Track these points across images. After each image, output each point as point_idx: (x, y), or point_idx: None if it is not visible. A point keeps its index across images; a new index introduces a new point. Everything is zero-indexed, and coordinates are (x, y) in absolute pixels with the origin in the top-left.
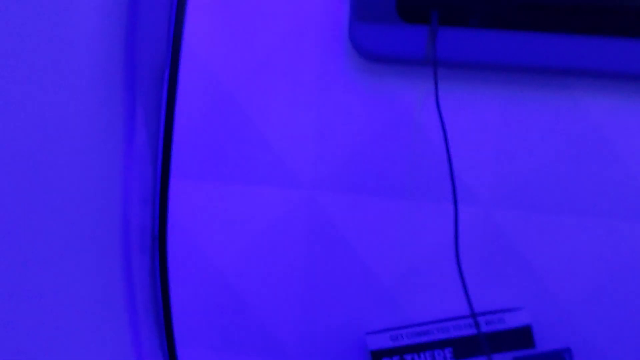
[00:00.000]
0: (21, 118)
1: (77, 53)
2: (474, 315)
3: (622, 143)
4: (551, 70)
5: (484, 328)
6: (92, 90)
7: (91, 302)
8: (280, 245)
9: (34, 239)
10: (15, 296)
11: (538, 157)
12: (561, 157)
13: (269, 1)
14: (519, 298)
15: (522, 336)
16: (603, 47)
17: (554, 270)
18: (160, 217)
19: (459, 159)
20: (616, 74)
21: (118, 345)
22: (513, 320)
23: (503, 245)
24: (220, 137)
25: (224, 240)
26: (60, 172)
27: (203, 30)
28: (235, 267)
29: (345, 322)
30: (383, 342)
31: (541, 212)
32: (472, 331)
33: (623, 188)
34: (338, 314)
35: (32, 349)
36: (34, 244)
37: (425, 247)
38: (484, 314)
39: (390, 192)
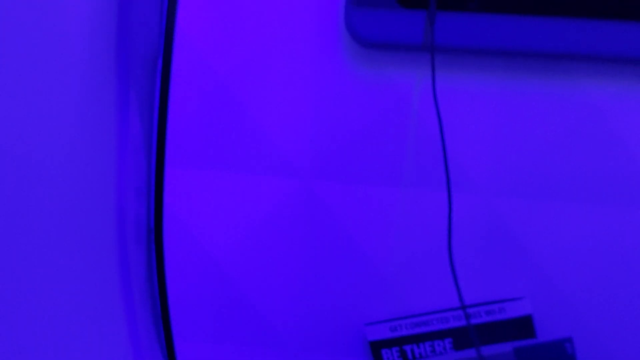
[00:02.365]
0: (12, 108)
1: (69, 43)
2: (463, 307)
3: (624, 128)
4: (551, 54)
5: (485, 318)
6: (84, 80)
7: (87, 296)
8: (277, 235)
9: (28, 232)
10: (10, 290)
11: (538, 144)
12: (562, 144)
13: None
14: (520, 287)
15: (523, 326)
16: (604, 30)
17: (555, 259)
18: (156, 208)
19: (459, 147)
20: (618, 58)
21: (115, 338)
22: (514, 310)
23: (503, 233)
24: (215, 127)
25: (221, 231)
26: (53, 164)
27: (196, 19)
28: (233, 257)
29: (343, 312)
30: (382, 332)
31: (541, 199)
32: (472, 322)
33: (625, 174)
34: (336, 304)
35: (27, 342)
36: (27, 238)
37: (425, 236)
38: (484, 303)
39: (389, 180)
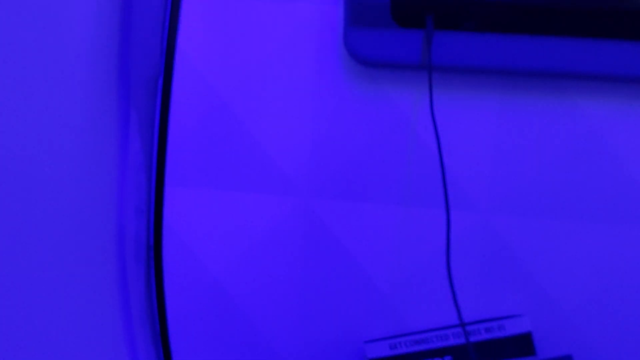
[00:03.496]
0: (14, 128)
1: (71, 62)
2: (462, 324)
3: (621, 146)
4: (547, 73)
5: (484, 335)
6: (85, 98)
7: (86, 313)
8: (276, 253)
9: (27, 249)
10: (9, 307)
11: (535, 162)
12: (559, 162)
13: (263, 8)
14: (519, 305)
15: (522, 343)
16: (599, 49)
17: (554, 277)
18: (155, 226)
19: (456, 165)
20: (613, 77)
21: (114, 356)
22: (513, 327)
23: (502, 251)
24: (215, 145)
25: (220, 249)
26: (53, 182)
27: (197, 38)
28: (232, 275)
29: (342, 330)
30: (382, 350)
31: (540, 217)
32: (471, 339)
33: (622, 192)
34: (335, 322)
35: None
36: (27, 255)
37: (424, 253)
38: (483, 321)
39: (387, 198)
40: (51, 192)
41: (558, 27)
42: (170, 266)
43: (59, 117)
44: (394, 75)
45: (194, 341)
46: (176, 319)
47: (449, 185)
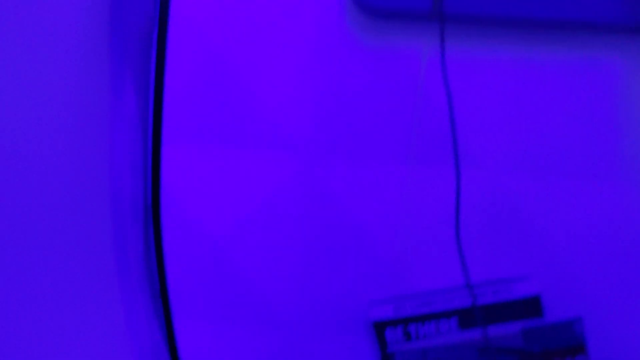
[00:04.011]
0: (3, 85)
1: (60, 16)
2: (470, 286)
3: (638, 101)
4: (567, 24)
5: (492, 298)
6: (77, 54)
7: (84, 276)
8: (278, 212)
9: (21, 212)
10: (5, 269)
11: (549, 119)
12: (573, 118)
13: None
14: (528, 266)
15: (530, 306)
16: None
17: (564, 238)
18: (153, 186)
19: (467, 121)
20: (632, 28)
21: (113, 317)
22: (521, 290)
23: (511, 211)
24: (213, 101)
25: (220, 208)
26: (45, 142)
27: None
28: (232, 235)
29: (346, 292)
30: (386, 312)
31: (552, 176)
32: (479, 301)
33: (637, 151)
34: (339, 284)
35: (22, 320)
36: (21, 217)
37: (430, 213)
38: (491, 283)
39: (393, 155)
40: (44, 153)
41: None
42: (169, 226)
43: (49, 77)
44: (403, 26)
45: (194, 302)
46: (177, 281)
47: (458, 142)
